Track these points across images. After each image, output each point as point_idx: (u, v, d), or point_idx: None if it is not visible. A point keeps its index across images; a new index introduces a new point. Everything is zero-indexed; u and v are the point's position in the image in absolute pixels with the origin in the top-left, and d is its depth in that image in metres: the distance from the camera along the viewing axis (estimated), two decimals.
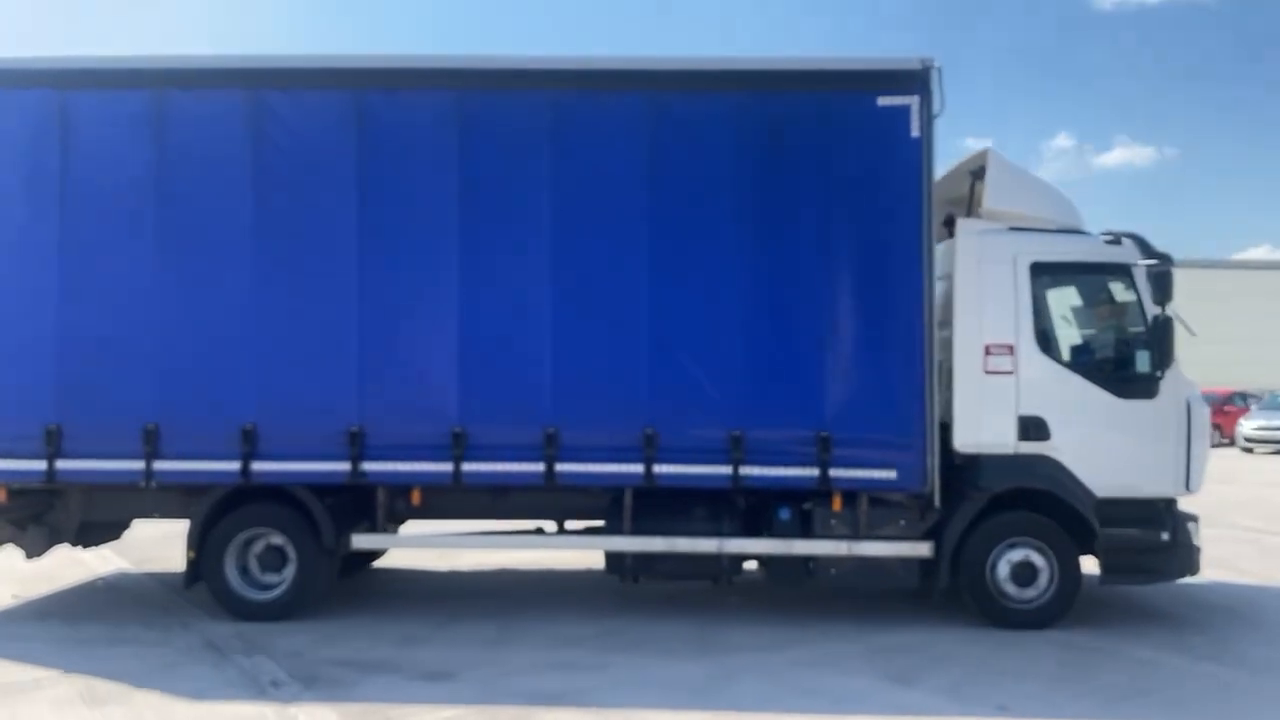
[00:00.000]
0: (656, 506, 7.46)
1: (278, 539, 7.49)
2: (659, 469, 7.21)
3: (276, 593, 7.48)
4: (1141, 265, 7.34)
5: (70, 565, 9.34)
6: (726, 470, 7.18)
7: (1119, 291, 7.63)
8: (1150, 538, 7.38)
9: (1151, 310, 7.29)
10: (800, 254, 7.25)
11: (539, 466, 7.21)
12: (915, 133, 7.22)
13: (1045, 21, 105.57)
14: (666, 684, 6.00)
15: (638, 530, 7.40)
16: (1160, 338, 7.23)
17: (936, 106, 7.26)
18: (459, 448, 7.19)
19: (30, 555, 7.83)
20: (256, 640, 6.89)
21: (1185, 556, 7.44)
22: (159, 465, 7.26)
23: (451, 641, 6.92)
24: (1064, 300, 7.82)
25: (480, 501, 7.78)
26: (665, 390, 7.22)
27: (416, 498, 7.51)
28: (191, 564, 7.44)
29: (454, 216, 7.26)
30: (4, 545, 7.83)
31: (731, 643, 6.96)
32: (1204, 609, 8.09)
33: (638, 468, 7.20)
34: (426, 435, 7.22)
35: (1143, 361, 7.44)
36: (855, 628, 7.38)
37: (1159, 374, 7.35)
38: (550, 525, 7.98)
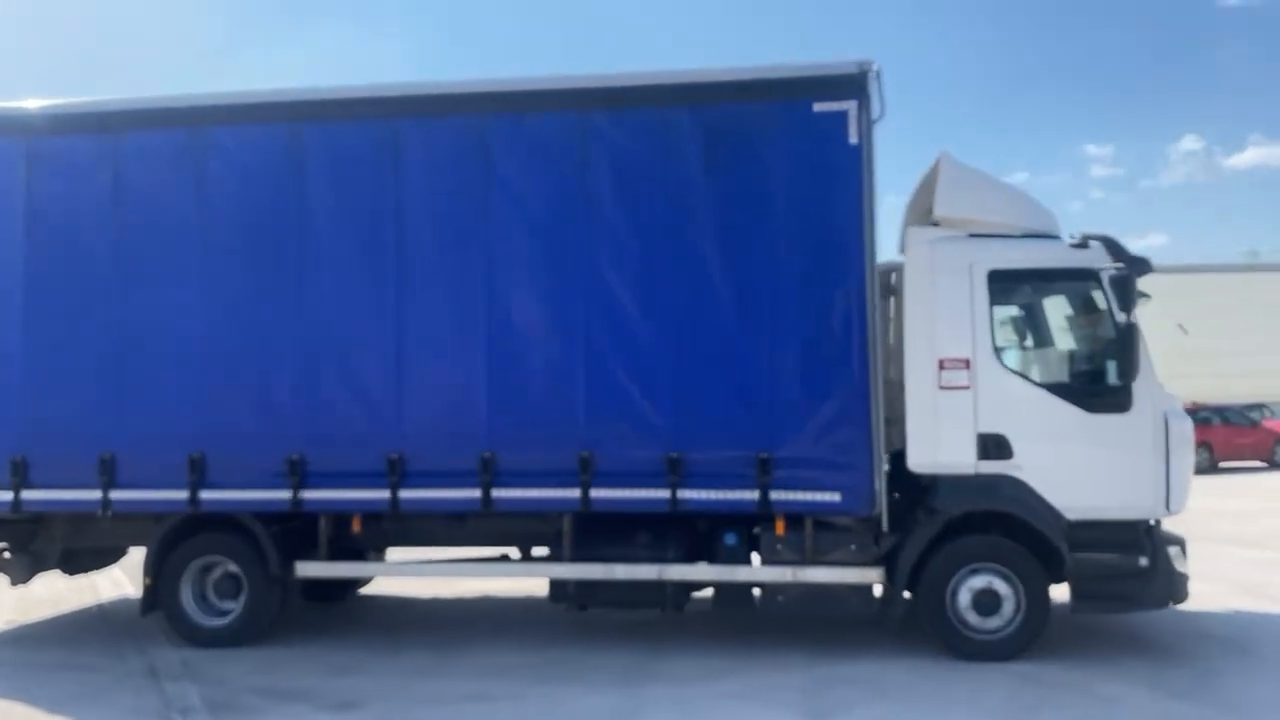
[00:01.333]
0: (602, 533, 7.28)
1: (233, 566, 7.58)
2: (596, 493, 7.04)
3: (228, 620, 7.57)
4: (1108, 271, 6.85)
5: (79, 591, 9.68)
6: (665, 494, 6.96)
7: (1085, 299, 7.14)
8: (1126, 563, 6.83)
9: (1117, 318, 6.79)
10: (739, 270, 7.01)
11: (476, 492, 7.12)
12: (853, 139, 6.91)
13: (1167, 20, 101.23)
14: (570, 716, 5.81)
15: (580, 557, 7.24)
16: (1125, 347, 6.72)
17: (876, 111, 6.95)
18: (395, 474, 7.17)
19: (15, 582, 8.13)
20: (198, 667, 6.97)
21: (1166, 583, 6.86)
22: (115, 494, 7.44)
23: (383, 671, 6.87)
24: (1026, 310, 7.37)
25: (432, 529, 7.74)
26: (601, 412, 7.05)
27: (356, 525, 7.51)
28: (148, 590, 7.59)
29: (390, 242, 7.28)
30: None
31: (666, 673, 6.72)
32: (1204, 640, 7.45)
33: (575, 492, 7.04)
34: (365, 462, 7.21)
35: (1111, 373, 6.93)
36: (808, 657, 7.04)
37: (1129, 385, 6.83)
38: (515, 552, 7.88)
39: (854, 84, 6.92)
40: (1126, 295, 6.68)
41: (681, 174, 7.08)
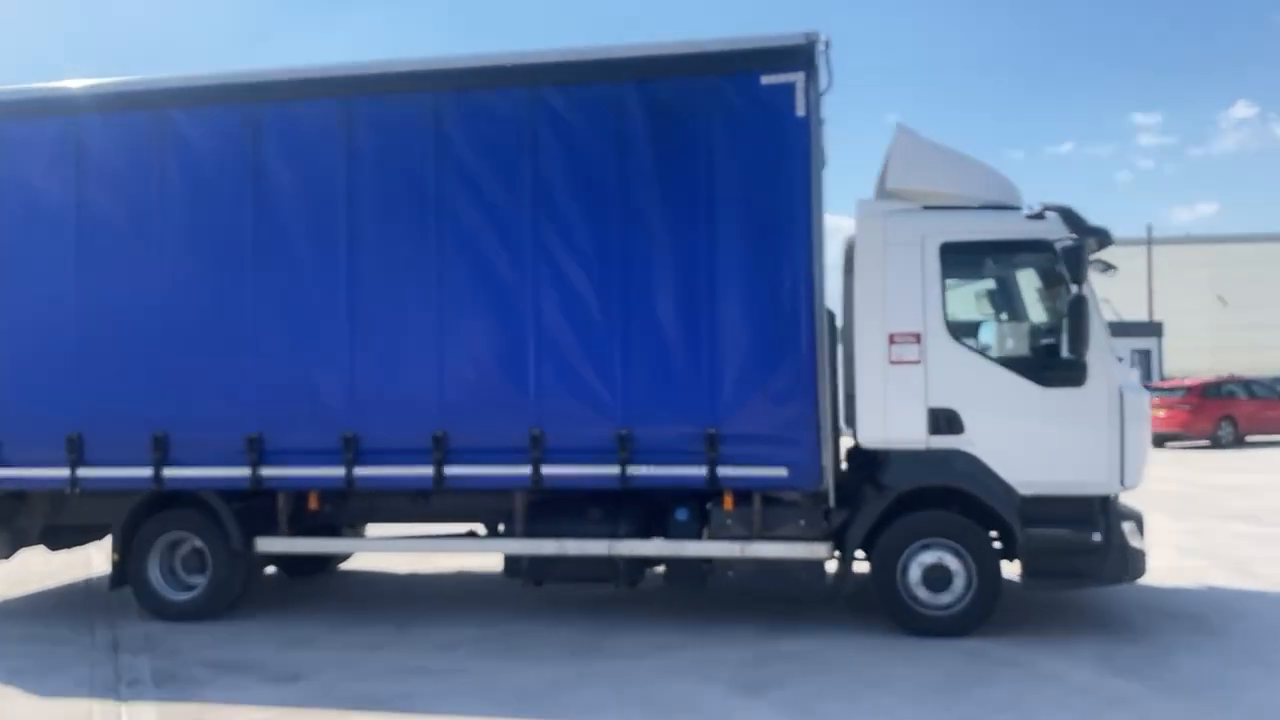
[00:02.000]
0: (556, 508, 7.33)
1: (198, 542, 7.73)
2: (547, 470, 7.07)
3: (194, 594, 7.73)
4: (1061, 242, 6.72)
5: (73, 566, 9.90)
6: (615, 470, 6.98)
7: (1039, 271, 7.02)
8: (1079, 538, 6.74)
9: (1069, 290, 6.67)
10: (688, 246, 6.98)
11: (429, 470, 7.18)
12: (800, 111, 6.83)
13: None
14: (503, 690, 5.87)
15: (533, 533, 7.29)
16: (1075, 319, 6.59)
17: (824, 83, 6.87)
18: (350, 452, 7.25)
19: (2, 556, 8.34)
20: (160, 640, 7.13)
21: (1120, 559, 6.75)
22: (82, 472, 7.60)
23: (336, 645, 6.98)
24: (980, 283, 7.26)
25: (397, 506, 7.83)
26: (552, 389, 7.07)
27: (314, 502, 7.62)
28: (116, 566, 7.77)
29: (342, 223, 7.32)
30: None
31: (614, 648, 6.76)
32: (1168, 617, 7.36)
33: (526, 469, 7.08)
34: (321, 440, 7.30)
35: (1064, 346, 6.81)
36: (759, 633, 7.04)
37: (1082, 359, 6.71)
38: (482, 528, 7.94)
39: (801, 55, 6.83)
40: (1078, 266, 6.55)
41: (630, 150, 7.05)
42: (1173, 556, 9.65)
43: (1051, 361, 6.86)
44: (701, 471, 6.89)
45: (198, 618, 7.64)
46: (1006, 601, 7.25)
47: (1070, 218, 6.94)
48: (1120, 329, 34.42)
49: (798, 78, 6.83)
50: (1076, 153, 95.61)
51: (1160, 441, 23.72)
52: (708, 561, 7.12)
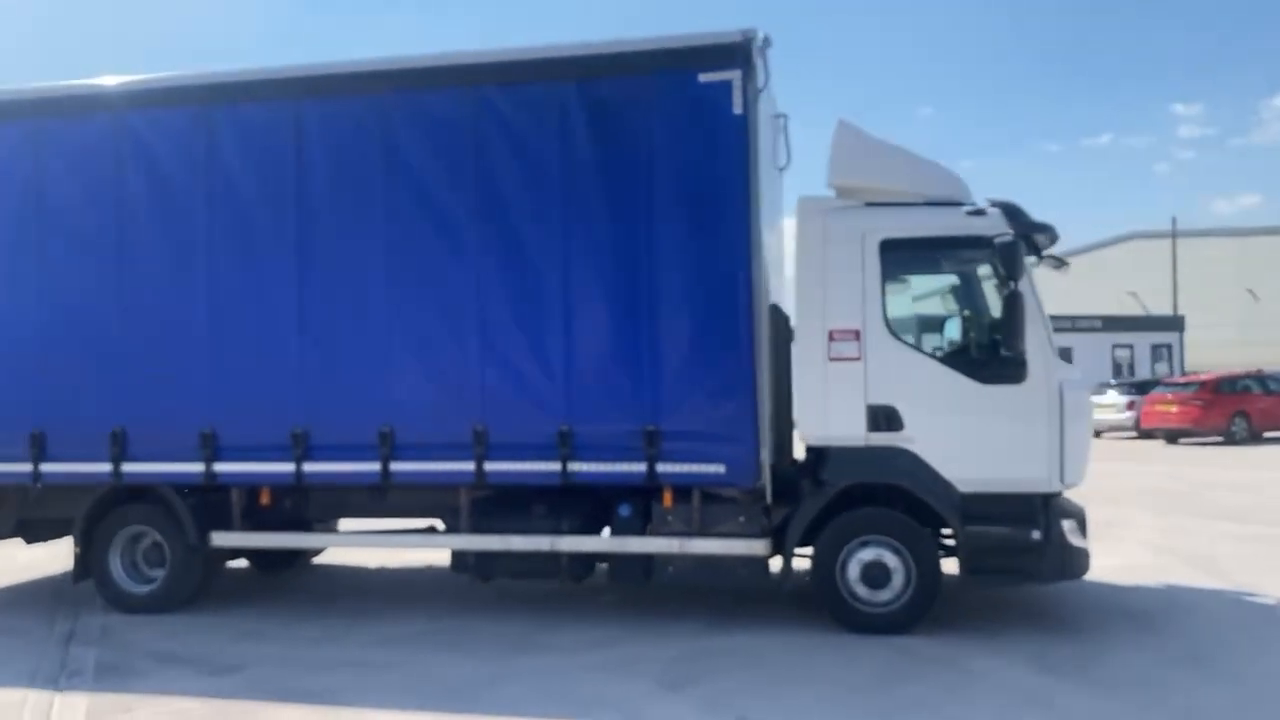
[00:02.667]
0: (502, 505, 7.42)
1: (157, 536, 7.89)
2: (490, 467, 7.14)
3: (152, 587, 7.89)
4: (999, 238, 6.68)
5: (59, 560, 10.10)
6: (556, 467, 7.04)
7: (979, 268, 6.98)
8: (1018, 537, 6.71)
9: (1005, 287, 6.63)
10: (627, 244, 7.01)
11: (375, 466, 7.28)
12: (738, 109, 6.84)
13: None
14: (431, 685, 5.94)
15: (479, 529, 7.37)
16: (1009, 316, 6.55)
17: (761, 80, 6.88)
18: (300, 448, 7.36)
19: None
20: (114, 632, 7.30)
21: (1060, 557, 6.71)
22: (45, 467, 7.79)
23: (283, 638, 7.10)
24: (921, 280, 7.24)
25: (358, 501, 7.95)
26: (495, 385, 7.14)
27: (265, 497, 7.74)
28: (78, 559, 7.95)
29: (291, 223, 7.43)
30: None
31: (552, 644, 6.82)
32: (1114, 614, 7.31)
33: (470, 466, 7.15)
34: (272, 436, 7.41)
35: (1002, 343, 6.78)
36: (700, 629, 7.09)
37: (1022, 356, 6.68)
38: (441, 524, 8.02)
39: (738, 53, 6.84)
40: (1013, 263, 6.52)
41: (573, 150, 7.09)
42: (1142, 554, 9.58)
43: (991, 358, 6.84)
44: (641, 468, 6.93)
45: (158, 610, 7.81)
46: (955, 599, 7.28)
47: (1012, 214, 6.91)
48: (1140, 323, 34.19)
49: (734, 75, 6.84)
50: (1114, 144, 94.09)
51: (1173, 438, 23.46)
52: (650, 558, 7.16)
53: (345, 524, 8.92)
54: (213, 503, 7.80)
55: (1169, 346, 34.07)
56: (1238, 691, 5.64)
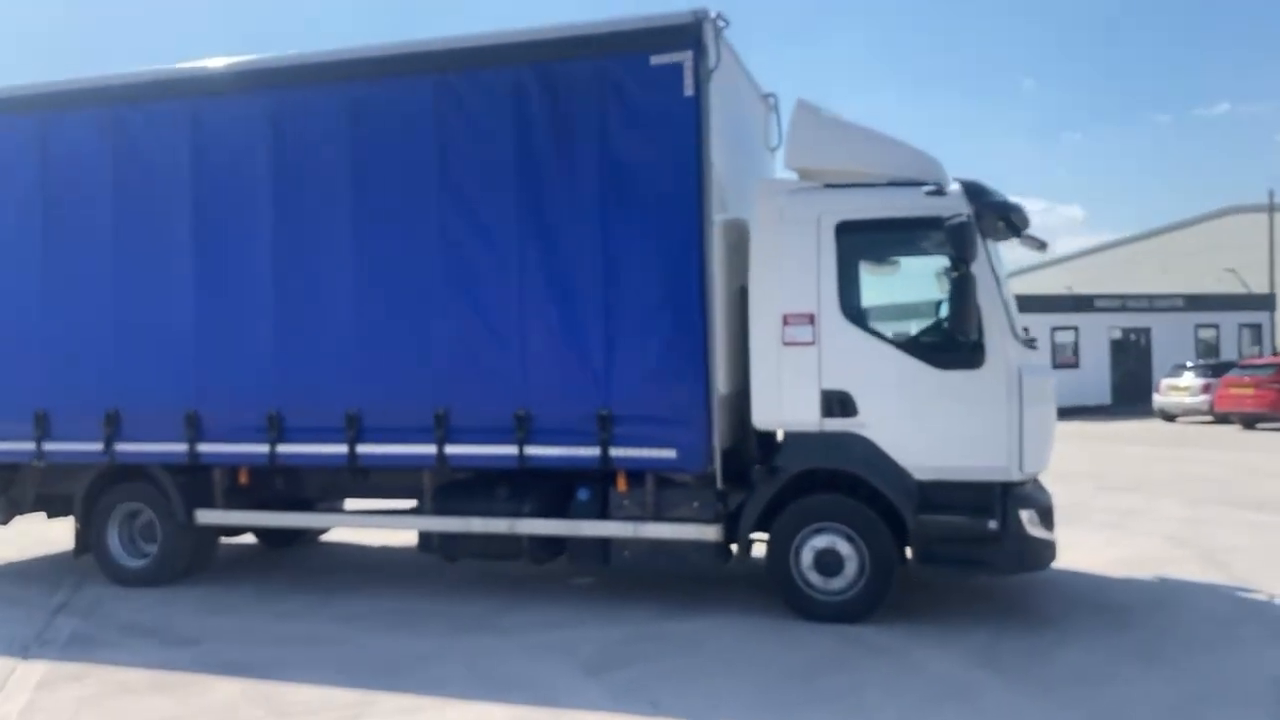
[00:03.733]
0: (466, 487, 7.54)
1: (150, 513, 8.24)
2: (451, 450, 7.26)
3: (145, 562, 8.26)
4: (953, 219, 6.47)
5: None
6: (513, 450, 7.12)
7: (936, 249, 6.77)
8: (974, 526, 6.53)
9: (957, 269, 6.43)
10: (583, 227, 7.02)
11: (343, 448, 7.47)
12: (689, 91, 6.77)
13: None
14: (369, 661, 6.10)
15: (442, 510, 7.50)
16: (958, 300, 6.36)
17: (712, 61, 6.78)
18: (274, 430, 7.60)
19: None
20: (104, 604, 7.67)
21: (1018, 548, 6.51)
22: (47, 446, 8.20)
23: (251, 612, 7.37)
24: (877, 262, 7.06)
25: (339, 482, 8.17)
26: (455, 369, 7.25)
27: (243, 477, 8.01)
28: (79, 534, 8.36)
29: (266, 214, 7.64)
30: None
31: (501, 624, 6.91)
32: (1094, 608, 7.07)
33: (432, 449, 7.28)
34: (249, 418, 7.67)
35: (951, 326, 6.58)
36: (656, 613, 7.10)
37: (980, 341, 6.49)
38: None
39: (688, 34, 6.76)
40: (963, 244, 6.32)
41: (531, 133, 7.12)
42: (1153, 545, 9.22)
43: (947, 343, 6.64)
44: (595, 452, 6.96)
45: (151, 583, 8.17)
46: (929, 588, 7.16)
47: (974, 193, 6.69)
48: (1228, 302, 32.48)
49: (685, 57, 6.77)
50: (1233, 113, 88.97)
51: (1250, 423, 22.40)
52: (607, 541, 7.19)
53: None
54: (198, 482, 8.10)
55: (1259, 326, 32.40)
56: (1175, 690, 5.42)
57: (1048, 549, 6.65)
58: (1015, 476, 6.54)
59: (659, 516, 7.02)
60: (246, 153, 7.70)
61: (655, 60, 6.85)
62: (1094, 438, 20.41)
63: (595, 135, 6.98)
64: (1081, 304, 30.35)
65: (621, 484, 7.08)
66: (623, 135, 6.93)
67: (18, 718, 5.30)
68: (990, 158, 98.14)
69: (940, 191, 6.67)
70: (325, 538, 10.17)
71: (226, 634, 6.79)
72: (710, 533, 6.89)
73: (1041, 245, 7.76)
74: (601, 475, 7.18)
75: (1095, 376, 29.61)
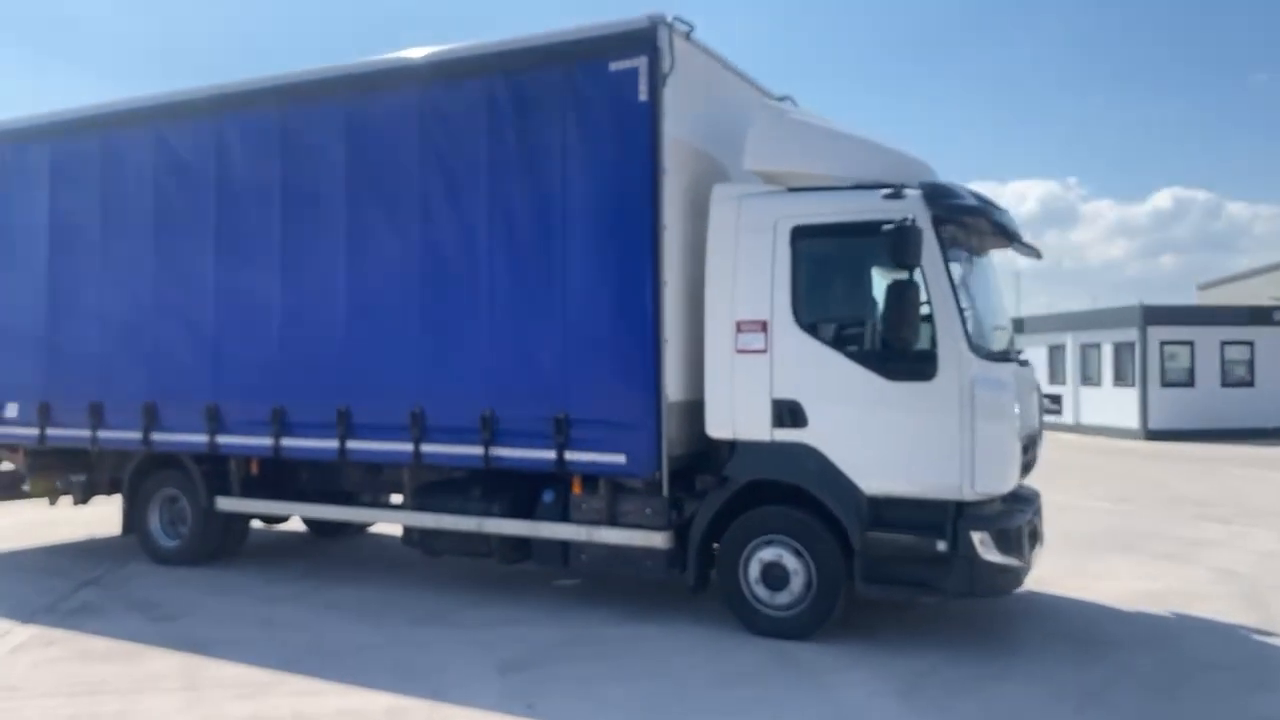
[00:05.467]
0: (443, 485, 7.79)
1: (184, 498, 8.93)
2: (425, 448, 7.51)
3: (179, 543, 8.95)
4: (890, 225, 6.15)
5: None
6: (479, 451, 7.30)
7: (884, 255, 6.45)
8: (922, 546, 6.21)
9: (902, 276, 6.15)
10: (544, 233, 7.12)
11: (335, 443, 7.86)
12: (643, 96, 6.75)
13: None
14: (315, 648, 6.38)
15: (420, 506, 7.77)
16: (895, 308, 6.07)
17: (667, 66, 6.74)
18: (278, 424, 8.08)
19: (76, 502, 9.97)
20: (131, 580, 8.38)
21: (967, 572, 6.13)
22: (101, 434, 9.02)
23: (246, 595, 7.85)
24: (833, 269, 6.79)
25: (357, 477, 8.57)
26: (428, 370, 7.50)
27: (254, 467, 8.54)
28: (126, 515, 9.15)
29: (275, 220, 8.15)
30: (61, 496, 10.05)
31: (452, 619, 7.13)
32: (1069, 642, 6.57)
33: (409, 447, 7.56)
34: (259, 413, 8.18)
35: (912, 338, 6.26)
36: (606, 617, 7.15)
37: (915, 350, 6.19)
38: None
39: (643, 39, 6.74)
40: (902, 250, 6.03)
41: (500, 141, 7.28)
42: (1194, 578, 8.44)
43: (898, 354, 6.34)
44: (551, 455, 7.05)
45: (184, 563, 8.85)
46: (899, 608, 6.88)
47: (935, 196, 6.38)
48: None
49: (640, 62, 6.76)
50: None
51: None
52: (566, 544, 7.24)
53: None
54: (223, 471, 8.71)
55: None
56: None
57: (1005, 574, 6.23)
58: (967, 496, 6.17)
59: (613, 522, 7.02)
60: (254, 165, 8.24)
61: (614, 66, 6.87)
62: (1244, 462, 18.65)
63: (559, 143, 7.07)
64: (1259, 316, 27.73)
65: (576, 487, 7.13)
66: (583, 143, 6.99)
67: None
68: (1217, 158, 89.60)
69: (898, 194, 6.38)
70: (373, 529, 10.65)
71: (209, 613, 7.29)
72: (657, 539, 6.83)
73: (1033, 252, 7.29)
74: (562, 479, 7.25)
75: (1275, 395, 26.94)
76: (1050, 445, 20.13)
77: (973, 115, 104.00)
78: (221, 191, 8.42)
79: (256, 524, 9.70)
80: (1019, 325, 30.48)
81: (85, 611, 7.33)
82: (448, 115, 7.51)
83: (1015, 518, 6.45)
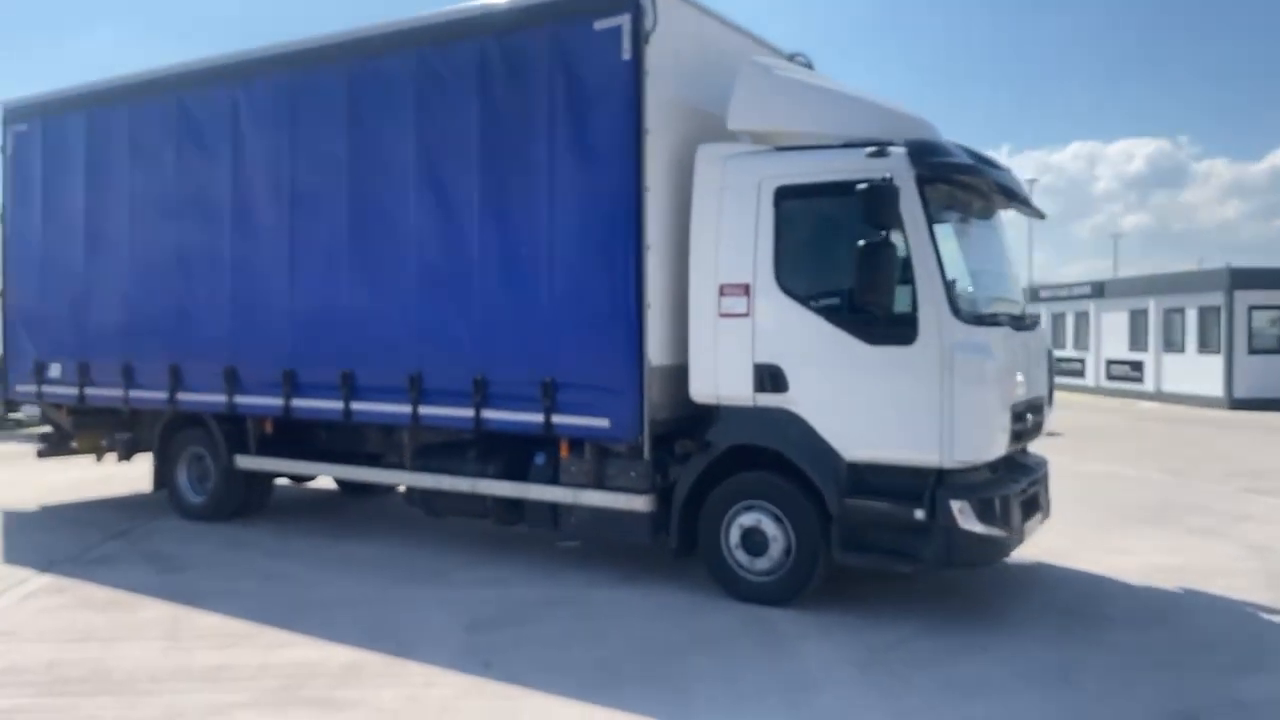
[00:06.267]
0: (442, 446, 7.89)
1: (208, 456, 9.25)
2: (423, 410, 7.63)
3: (204, 499, 9.28)
4: (864, 184, 5.95)
5: None
6: (471, 413, 7.37)
7: (874, 215, 6.23)
8: (900, 514, 6.06)
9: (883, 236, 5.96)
10: (534, 195, 7.10)
11: (339, 404, 8.03)
12: (626, 55, 6.65)
13: None
14: (288, 601, 6.59)
15: (419, 467, 7.90)
16: (866, 268, 5.89)
17: (649, 24, 6.61)
18: (288, 385, 8.29)
19: (120, 459, 10.43)
20: (155, 533, 8.74)
21: (945, 541, 5.96)
22: (135, 394, 9.38)
23: (257, 549, 8.13)
24: (817, 229, 6.61)
25: (371, 437, 8.73)
26: (426, 333, 7.59)
27: (268, 427, 8.77)
28: (156, 472, 9.53)
29: (285, 188, 8.31)
30: (107, 454, 10.51)
31: (441, 578, 7.26)
32: (1061, 616, 6.38)
33: (408, 409, 7.68)
34: (270, 374, 8.41)
35: (889, 301, 6.09)
36: (595, 580, 7.18)
37: (890, 312, 6.02)
38: None
39: None
40: (875, 210, 5.86)
41: (492, 104, 7.28)
42: (1221, 555, 8.09)
43: (879, 317, 6.15)
44: (539, 418, 7.07)
45: (209, 518, 9.19)
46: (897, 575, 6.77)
47: (921, 153, 6.15)
48: None
49: (623, 20, 6.65)
50: None
51: None
52: (556, 507, 7.28)
53: None
54: (244, 430, 8.98)
55: None
56: (1046, 715, 4.82)
57: (986, 545, 6.04)
58: (946, 464, 5.99)
59: (600, 485, 7.02)
60: (268, 129, 8.41)
61: (599, 25, 6.77)
62: None
63: (546, 102, 7.02)
64: None
65: (564, 450, 7.14)
66: (569, 105, 6.93)
67: None
68: None
69: (881, 153, 6.16)
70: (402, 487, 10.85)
71: (216, 566, 7.56)
72: (639, 503, 6.81)
73: (1038, 214, 6.99)
74: (552, 442, 7.28)
75: None
76: (1124, 414, 19.50)
77: (1072, 70, 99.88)
78: (236, 163, 8.62)
79: (284, 482, 10.00)
80: (1099, 289, 29.56)
81: (103, 562, 7.67)
82: (442, 79, 7.52)
83: (1003, 486, 6.25)
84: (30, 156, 10.12)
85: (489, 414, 7.31)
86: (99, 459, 10.52)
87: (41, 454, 10.61)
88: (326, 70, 8.09)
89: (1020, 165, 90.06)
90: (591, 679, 5.21)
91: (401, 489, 8.50)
